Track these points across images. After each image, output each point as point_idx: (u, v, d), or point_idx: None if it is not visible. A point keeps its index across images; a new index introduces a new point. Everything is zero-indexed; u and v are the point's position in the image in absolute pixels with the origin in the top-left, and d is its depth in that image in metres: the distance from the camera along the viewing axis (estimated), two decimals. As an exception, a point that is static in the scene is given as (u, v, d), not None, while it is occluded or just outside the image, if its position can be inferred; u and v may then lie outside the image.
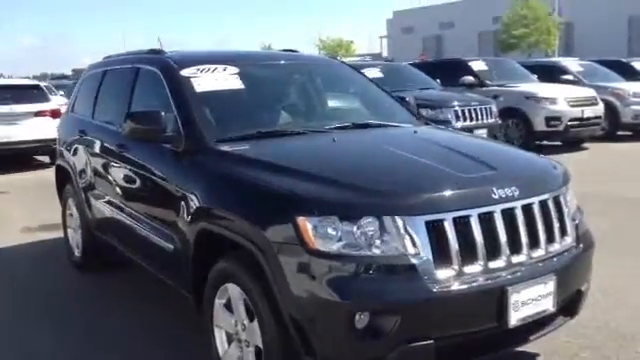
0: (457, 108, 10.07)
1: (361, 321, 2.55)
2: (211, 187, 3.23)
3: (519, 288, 2.76)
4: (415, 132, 3.86)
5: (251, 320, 2.92)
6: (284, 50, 5.14)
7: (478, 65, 12.88)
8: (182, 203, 3.39)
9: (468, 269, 2.70)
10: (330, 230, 2.63)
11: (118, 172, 4.35)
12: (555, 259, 2.97)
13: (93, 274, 5.23)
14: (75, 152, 5.20)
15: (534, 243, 2.90)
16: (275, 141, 3.57)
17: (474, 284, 2.69)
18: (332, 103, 4.47)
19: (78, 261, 5.37)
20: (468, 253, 2.71)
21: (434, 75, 12.33)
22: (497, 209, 2.81)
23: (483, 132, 10.20)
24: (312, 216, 2.64)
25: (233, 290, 3.02)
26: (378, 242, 2.63)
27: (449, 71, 12.82)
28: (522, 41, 38.02)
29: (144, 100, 4.25)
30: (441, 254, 2.66)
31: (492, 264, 2.76)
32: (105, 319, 4.29)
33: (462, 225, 2.72)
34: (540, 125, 11.50)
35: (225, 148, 3.40)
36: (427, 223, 2.66)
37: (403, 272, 2.61)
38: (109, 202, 4.56)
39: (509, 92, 11.90)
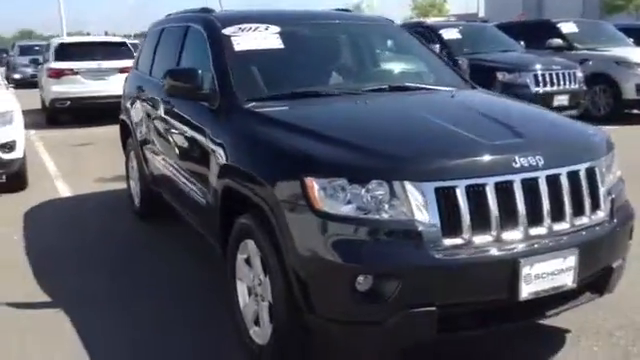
0: (537, 72, 9.59)
1: (362, 284, 2.55)
2: (236, 145, 3.30)
3: (533, 261, 2.65)
4: (452, 96, 3.74)
5: (266, 275, 2.98)
6: (337, 10, 5.07)
7: (568, 27, 12.13)
8: (214, 159, 3.49)
9: (479, 239, 2.62)
10: (337, 192, 2.62)
11: (165, 128, 4.51)
12: (582, 233, 2.83)
13: (152, 223, 5.48)
14: (134, 107, 5.43)
15: (558, 216, 2.77)
16: (306, 102, 3.56)
17: (483, 254, 2.62)
18: (375, 65, 4.39)
19: (138, 211, 5.67)
20: (481, 222, 2.63)
21: (521, 37, 11.78)
22: (517, 178, 2.70)
23: (564, 98, 9.72)
24: (320, 177, 2.64)
25: (251, 246, 3.09)
26: (385, 206, 2.60)
27: (537, 33, 12.19)
28: (630, 2, 35.50)
29: (190, 58, 4.35)
30: (451, 222, 2.60)
31: (506, 235, 2.66)
32: (155, 266, 4.52)
33: (476, 193, 2.63)
34: (630, 93, 10.76)
35: (255, 107, 3.43)
36: (437, 189, 2.59)
37: (408, 238, 2.57)
38: (159, 156, 4.75)
39: (599, 56, 11.17)
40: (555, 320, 3.35)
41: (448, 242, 2.59)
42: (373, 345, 2.75)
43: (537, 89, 9.51)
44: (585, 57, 11.19)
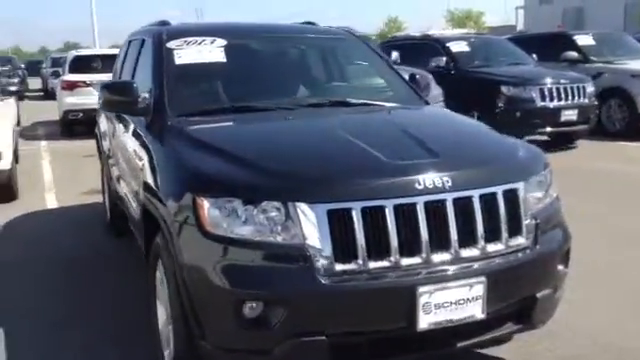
0: (543, 86, 9.29)
1: (248, 310, 2.43)
2: (153, 161, 3.22)
3: (433, 289, 2.49)
4: (390, 113, 3.59)
5: (173, 298, 2.87)
6: (305, 23, 4.96)
7: (584, 39, 11.79)
8: (141, 175, 3.42)
9: (374, 264, 2.47)
10: (230, 213, 2.51)
11: (116, 142, 4.48)
12: (495, 260, 2.64)
13: (121, 238, 5.39)
14: (101, 121, 5.43)
15: (467, 241, 2.60)
16: (233, 117, 3.46)
17: (377, 281, 2.46)
18: (322, 79, 4.26)
19: (108, 225, 5.63)
20: (378, 247, 2.47)
21: (536, 50, 11.50)
22: (420, 201, 2.53)
23: (573, 113, 9.40)
24: (211, 196, 2.53)
25: (162, 266, 2.99)
26: (278, 229, 2.47)
27: (552, 46, 11.88)
28: (669, 14, 34.36)
29: (142, 71, 4.30)
30: (344, 246, 2.45)
31: (405, 261, 2.50)
32: (110, 287, 4.44)
33: (374, 216, 2.48)
34: (646, 107, 10.36)
35: (180, 123, 3.33)
36: (330, 212, 2.45)
37: (296, 262, 2.44)
38: (116, 169, 4.72)
39: (614, 70, 10.79)
40: (498, 349, 3.22)
41: (340, 268, 2.45)
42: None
43: (543, 103, 9.23)
44: (600, 70, 10.86)
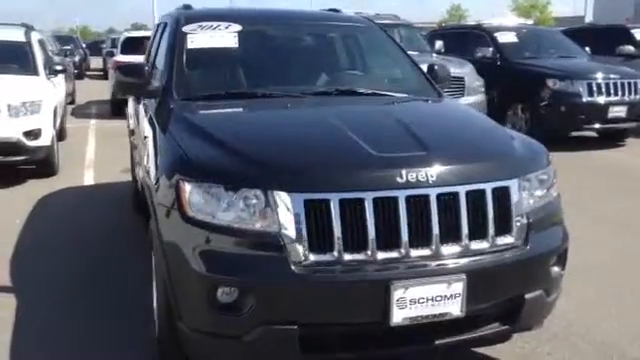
0: (591, 81, 8.93)
1: (221, 295, 2.46)
2: (153, 143, 3.28)
3: (408, 284, 2.45)
4: (393, 103, 3.53)
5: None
6: (330, 10, 4.92)
7: (643, 33, 11.28)
8: (144, 156, 3.50)
9: (350, 256, 2.45)
10: (209, 198, 2.52)
11: (135, 121, 4.58)
12: (478, 258, 2.57)
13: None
14: (129, 102, 5.56)
15: (449, 238, 2.54)
16: (233, 103, 3.48)
17: (351, 273, 2.44)
18: (334, 67, 4.21)
19: (134, 203, 5.77)
20: (354, 239, 2.45)
21: (591, 43, 11.07)
22: (401, 195, 2.49)
23: (622, 110, 9.01)
24: (192, 181, 2.55)
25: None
26: (254, 216, 2.48)
27: (608, 39, 11.44)
28: None
29: (162, 54, 4.36)
30: (320, 237, 2.44)
31: (382, 254, 2.47)
32: (126, 266, 4.52)
33: (352, 208, 2.45)
34: None
35: (181, 107, 3.37)
36: (307, 202, 2.44)
37: (271, 250, 2.45)
38: (135, 150, 4.83)
39: (672, 66, 10.27)
40: (498, 352, 3.18)
41: (314, 258, 2.44)
42: (234, 361, 2.63)
43: (590, 98, 8.88)
44: (657, 66, 10.33)
